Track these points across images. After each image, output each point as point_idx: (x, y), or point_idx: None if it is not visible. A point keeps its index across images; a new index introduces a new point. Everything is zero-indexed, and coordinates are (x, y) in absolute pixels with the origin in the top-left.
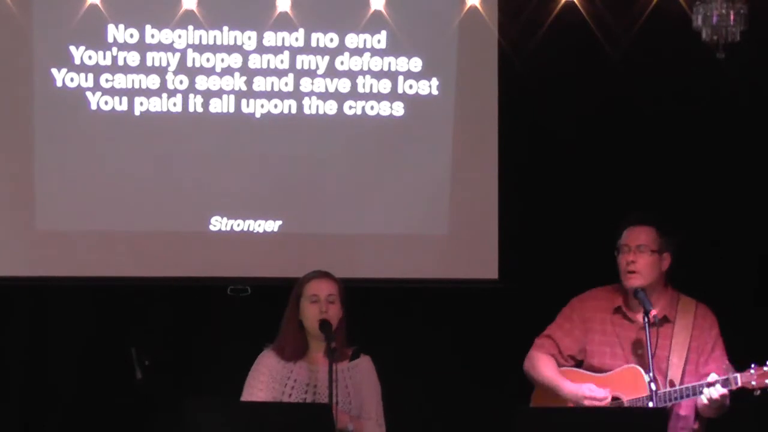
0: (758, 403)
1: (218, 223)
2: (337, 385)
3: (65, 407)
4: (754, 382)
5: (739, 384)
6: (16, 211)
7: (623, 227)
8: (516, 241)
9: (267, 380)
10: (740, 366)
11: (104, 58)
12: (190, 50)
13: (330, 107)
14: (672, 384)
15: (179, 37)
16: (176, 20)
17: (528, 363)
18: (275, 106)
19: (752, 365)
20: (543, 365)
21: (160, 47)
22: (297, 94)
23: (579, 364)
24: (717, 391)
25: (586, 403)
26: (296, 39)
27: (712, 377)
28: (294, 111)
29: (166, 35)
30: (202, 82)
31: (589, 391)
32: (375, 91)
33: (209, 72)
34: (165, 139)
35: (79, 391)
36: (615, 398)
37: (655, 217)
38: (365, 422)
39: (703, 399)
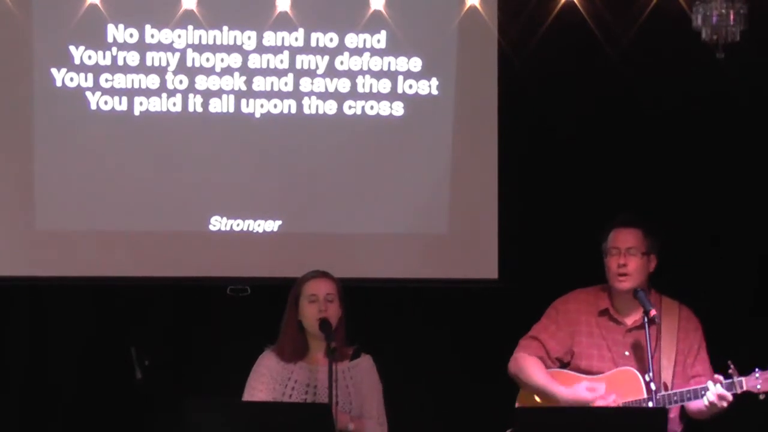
0: (759, 406)
1: (218, 223)
2: (337, 385)
3: (65, 407)
4: (759, 386)
5: (744, 388)
6: (16, 211)
7: (609, 229)
8: (516, 240)
9: (267, 381)
10: (744, 370)
11: (104, 57)
12: (189, 50)
13: (330, 107)
14: (666, 386)
15: (179, 36)
16: (176, 20)
17: (515, 366)
18: (275, 105)
19: (756, 369)
20: (532, 369)
21: (160, 47)
22: (297, 94)
23: (564, 365)
24: (714, 394)
25: (594, 404)
26: (296, 39)
27: (716, 379)
28: (294, 111)
29: (165, 35)
30: (201, 82)
31: (588, 392)
32: (375, 90)
33: (209, 72)
34: (165, 139)
35: (79, 391)
36: None
37: (640, 219)
38: (366, 422)
39: (705, 401)
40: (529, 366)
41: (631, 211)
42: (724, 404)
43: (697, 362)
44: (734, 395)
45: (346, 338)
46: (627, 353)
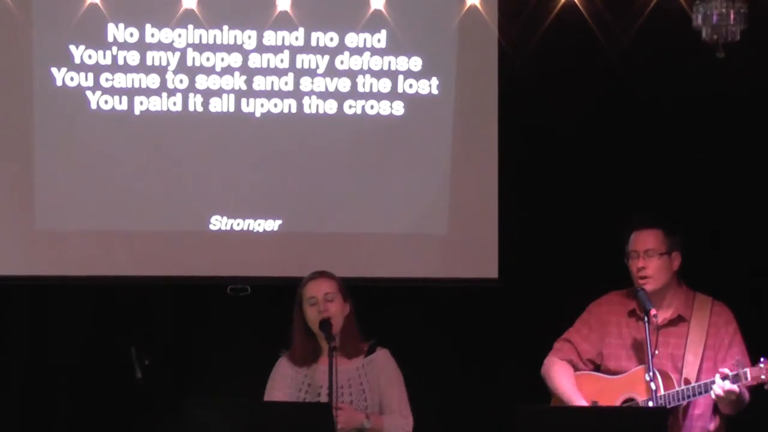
0: None
1: (218, 223)
2: (337, 384)
3: (65, 407)
4: (763, 376)
5: (749, 379)
6: (16, 210)
7: (629, 231)
8: (516, 240)
9: (282, 386)
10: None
11: (104, 57)
12: (190, 49)
13: (330, 106)
14: (687, 382)
15: (179, 36)
16: (176, 19)
17: (545, 369)
18: (275, 105)
19: (762, 359)
20: (558, 374)
21: (160, 46)
22: (297, 94)
23: (598, 367)
24: (720, 387)
25: None
26: (296, 38)
27: (722, 373)
28: (294, 110)
29: (166, 34)
30: (202, 82)
31: None
32: (375, 90)
33: (209, 71)
34: (165, 138)
35: (79, 391)
36: (629, 399)
37: (659, 217)
38: (387, 416)
39: (712, 395)
40: (556, 372)
41: (650, 211)
42: (732, 397)
43: (728, 357)
44: (748, 388)
45: (359, 334)
46: (657, 351)
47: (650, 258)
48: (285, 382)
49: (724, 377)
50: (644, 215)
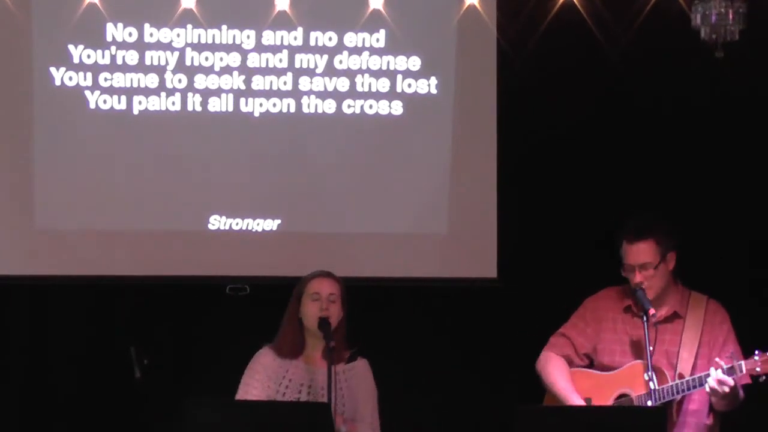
0: None
1: (217, 222)
2: (336, 385)
3: (65, 407)
4: (758, 368)
5: (744, 371)
6: (15, 210)
7: (621, 240)
8: (515, 240)
9: (262, 378)
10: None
11: (103, 57)
12: (188, 49)
13: (329, 106)
14: (681, 378)
15: (178, 35)
16: (175, 19)
17: (540, 364)
18: (274, 105)
19: (756, 352)
20: (554, 371)
21: (159, 46)
22: (296, 93)
23: (593, 361)
24: (714, 379)
25: None
26: (295, 38)
27: (717, 364)
28: (293, 110)
29: (164, 34)
30: (200, 81)
31: None
32: (374, 90)
33: (208, 71)
34: (163, 138)
35: (78, 390)
36: (623, 395)
37: (650, 224)
38: (359, 425)
39: (706, 388)
40: (552, 369)
41: (640, 217)
42: (726, 389)
43: (723, 354)
44: (743, 386)
45: (345, 341)
46: (651, 348)
47: (646, 271)
48: (266, 373)
49: (719, 368)
50: (635, 223)
